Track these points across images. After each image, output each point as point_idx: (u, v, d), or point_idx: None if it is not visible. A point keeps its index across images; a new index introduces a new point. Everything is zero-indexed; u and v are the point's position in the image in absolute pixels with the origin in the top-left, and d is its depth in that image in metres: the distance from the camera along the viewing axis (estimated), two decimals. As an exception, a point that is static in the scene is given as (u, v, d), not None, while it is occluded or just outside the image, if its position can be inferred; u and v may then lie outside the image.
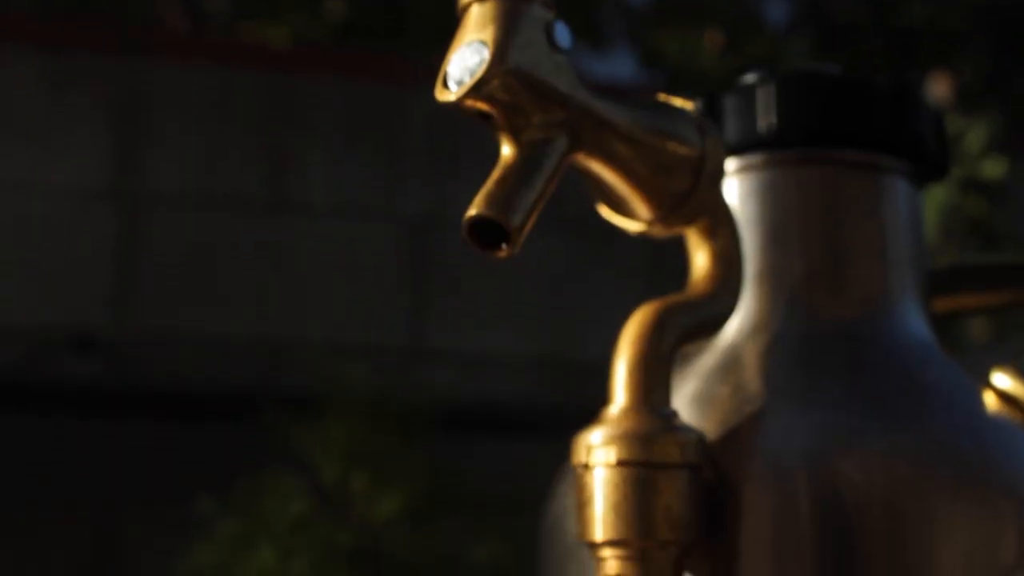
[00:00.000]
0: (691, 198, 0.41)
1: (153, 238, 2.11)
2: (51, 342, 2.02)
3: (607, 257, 2.28)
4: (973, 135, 2.02)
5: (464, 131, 1.95)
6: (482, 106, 0.36)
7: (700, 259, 0.43)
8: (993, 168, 2.01)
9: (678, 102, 0.42)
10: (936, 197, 1.98)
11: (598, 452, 0.38)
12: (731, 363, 0.44)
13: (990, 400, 0.43)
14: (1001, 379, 0.44)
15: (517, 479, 1.24)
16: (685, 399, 0.43)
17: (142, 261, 2.10)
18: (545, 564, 0.47)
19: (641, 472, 0.37)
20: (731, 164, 0.45)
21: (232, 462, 1.46)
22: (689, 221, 0.42)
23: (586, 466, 0.38)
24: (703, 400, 0.42)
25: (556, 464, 0.46)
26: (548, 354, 2.24)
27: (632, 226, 0.42)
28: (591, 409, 0.40)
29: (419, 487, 1.37)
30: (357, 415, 1.37)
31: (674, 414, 0.39)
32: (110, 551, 1.96)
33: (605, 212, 0.43)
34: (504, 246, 0.35)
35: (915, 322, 0.45)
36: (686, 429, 0.39)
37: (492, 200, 0.35)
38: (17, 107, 2.10)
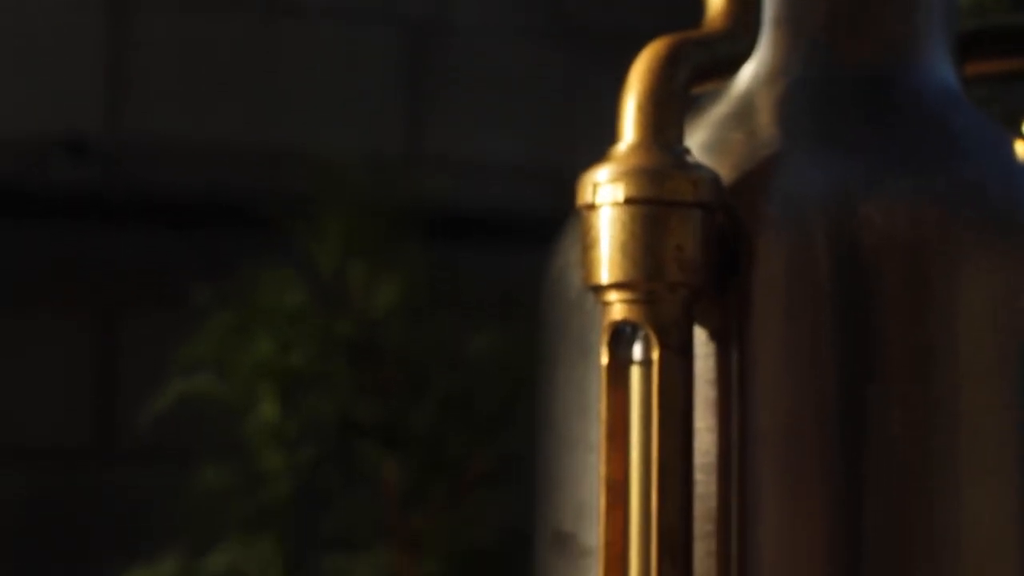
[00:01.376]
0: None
1: (144, 41, 2.06)
2: (43, 149, 1.99)
3: (608, 66, 2.23)
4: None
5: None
6: None
7: (715, -3, 0.40)
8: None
9: None
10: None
11: (605, 190, 0.35)
12: (746, 110, 0.41)
13: (1020, 149, 0.41)
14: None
15: (513, 286, 1.23)
16: (697, 147, 0.40)
17: (134, 66, 2.06)
18: (548, 324, 0.45)
19: (651, 210, 0.35)
20: None
21: (230, 267, 1.45)
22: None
23: (592, 206, 0.36)
24: (716, 147, 0.40)
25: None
26: (547, 163, 2.21)
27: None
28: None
29: (417, 280, 1.36)
30: (354, 209, 1.35)
31: (687, 151, 0.37)
32: (110, 355, 1.97)
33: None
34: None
35: (943, 69, 0.42)
36: (700, 167, 0.36)
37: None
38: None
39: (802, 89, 0.41)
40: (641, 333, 0.36)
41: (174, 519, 1.39)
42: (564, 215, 0.44)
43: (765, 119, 0.40)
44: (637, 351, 0.36)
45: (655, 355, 0.35)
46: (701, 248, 0.36)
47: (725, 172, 0.38)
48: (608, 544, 0.37)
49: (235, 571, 1.35)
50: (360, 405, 1.37)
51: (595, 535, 0.39)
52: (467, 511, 1.43)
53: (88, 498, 1.88)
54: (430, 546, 1.42)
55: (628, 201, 0.35)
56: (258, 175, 1.98)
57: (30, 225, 1.94)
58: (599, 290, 0.36)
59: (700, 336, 0.38)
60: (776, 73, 0.42)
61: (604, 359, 0.36)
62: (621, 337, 0.36)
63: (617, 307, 0.36)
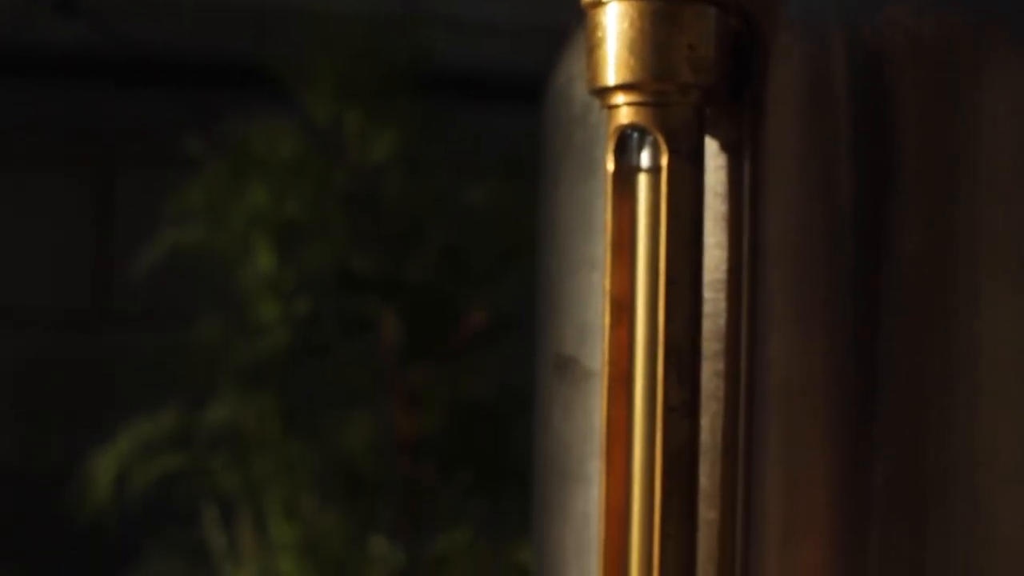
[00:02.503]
0: None
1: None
2: (31, 8, 1.95)
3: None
4: None
5: None
6: None
7: None
8: None
9: None
10: None
11: (613, -16, 0.33)
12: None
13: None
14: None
15: (511, 143, 1.20)
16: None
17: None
18: (550, 142, 0.43)
19: (661, 5, 0.33)
20: None
21: (225, 123, 1.42)
22: None
23: (598, 2, 0.34)
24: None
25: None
26: (548, 24, 2.16)
27: None
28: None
29: (412, 132, 1.33)
30: (348, 59, 1.32)
31: (700, -56, 0.34)
32: (110, 209, 1.95)
33: None
34: None
35: None
36: (713, -39, 0.34)
37: None
38: None
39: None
40: (649, 139, 0.34)
41: (172, 375, 1.39)
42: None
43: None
44: (645, 159, 0.34)
45: (664, 161, 0.33)
46: (714, 48, 0.33)
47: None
48: (612, 363, 0.35)
49: (233, 424, 1.35)
50: (357, 256, 1.35)
51: (598, 357, 0.37)
52: (465, 366, 1.43)
53: (88, 358, 1.87)
54: (428, 400, 1.42)
55: (637, -4, 0.33)
56: (251, 31, 1.94)
57: (19, 85, 1.91)
58: (605, 93, 0.34)
59: (711, 147, 0.36)
60: None
61: (609, 166, 0.34)
62: (628, 144, 0.34)
63: (624, 110, 0.34)
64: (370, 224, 1.35)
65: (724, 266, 0.36)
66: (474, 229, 1.40)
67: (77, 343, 1.89)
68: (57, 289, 1.90)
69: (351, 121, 1.35)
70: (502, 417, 1.42)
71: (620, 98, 0.34)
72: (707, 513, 0.37)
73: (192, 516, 1.45)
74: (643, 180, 0.34)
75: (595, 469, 0.39)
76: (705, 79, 0.33)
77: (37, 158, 1.90)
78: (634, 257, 0.35)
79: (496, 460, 1.43)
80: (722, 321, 0.36)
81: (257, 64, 1.37)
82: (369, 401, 1.43)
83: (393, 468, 1.43)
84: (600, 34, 0.34)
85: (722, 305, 0.36)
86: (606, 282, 0.35)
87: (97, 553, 1.67)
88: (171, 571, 1.40)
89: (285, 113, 1.39)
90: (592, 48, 0.34)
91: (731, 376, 0.36)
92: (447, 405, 1.42)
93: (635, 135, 0.34)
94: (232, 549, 1.41)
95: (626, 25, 0.33)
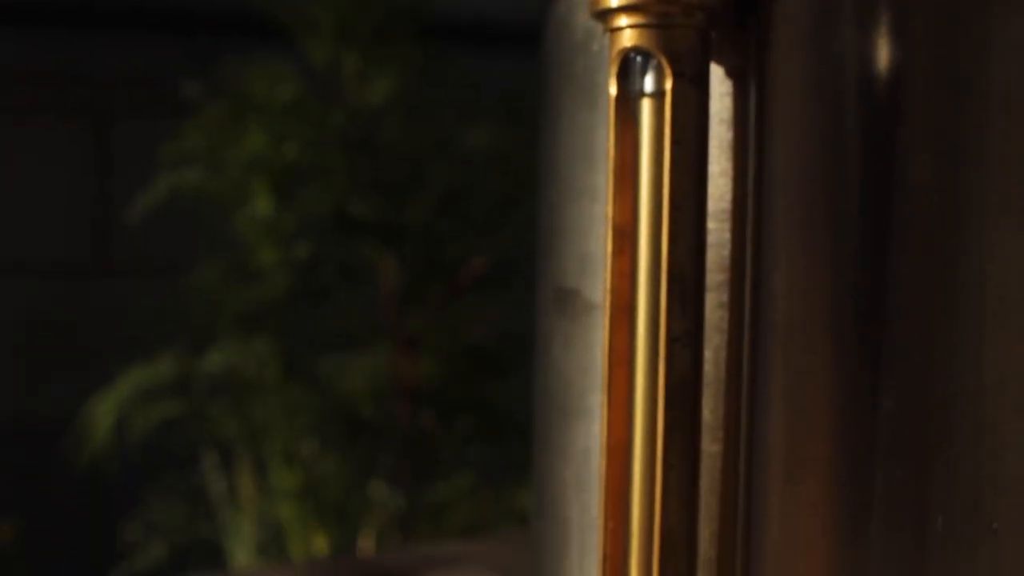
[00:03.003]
0: None
1: None
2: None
3: None
4: None
5: None
6: None
7: None
8: None
9: None
10: None
11: (616, -99, 0.32)
12: None
13: None
14: None
15: (512, 88, 1.19)
16: None
17: None
18: (551, 70, 0.42)
19: (665, -74, 0.32)
20: None
21: (223, 69, 1.41)
22: None
23: (602, -78, 0.33)
24: None
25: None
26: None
27: None
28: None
29: (413, 73, 1.32)
30: (348, 2, 1.30)
31: None
32: (108, 158, 1.93)
33: None
34: None
35: None
36: None
37: None
38: None
39: None
40: (652, 64, 0.33)
41: (172, 322, 1.38)
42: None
43: None
44: (648, 84, 0.33)
45: (668, 85, 0.32)
46: (720, -31, 0.33)
47: None
48: (613, 292, 0.35)
49: (232, 370, 1.35)
50: (356, 201, 1.34)
51: (599, 289, 0.36)
52: (464, 311, 1.42)
53: (87, 307, 1.87)
54: (428, 346, 1.41)
55: (641, -88, 0.32)
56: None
57: (15, 34, 1.89)
58: (607, 15, 0.33)
59: (716, 73, 0.35)
60: None
61: (612, 90, 0.33)
62: (630, 69, 0.33)
63: (627, 33, 0.33)
64: (370, 168, 1.34)
65: (729, 196, 0.35)
66: (474, 174, 1.39)
67: (76, 292, 1.88)
68: (56, 239, 1.89)
69: (350, 64, 1.33)
70: (502, 364, 1.41)
71: (623, 20, 0.33)
72: (709, 446, 0.36)
73: (191, 462, 1.45)
74: (646, 105, 0.33)
75: (596, 403, 0.38)
76: (710, 0, 0.32)
77: (34, 107, 1.89)
78: (637, 184, 0.34)
79: (496, 407, 1.43)
80: (726, 252, 0.35)
81: (255, 8, 1.36)
82: (369, 346, 1.42)
83: (393, 414, 1.43)
84: (602, -45, 0.33)
85: (726, 235, 0.35)
86: (608, 210, 0.34)
87: (97, 500, 1.68)
88: (170, 517, 1.40)
89: (284, 58, 1.38)
90: (593, -31, 0.33)
91: (735, 308, 0.35)
92: (447, 351, 1.41)
93: (638, 59, 0.33)
94: (231, 495, 1.41)
95: (629, -57, 0.32)
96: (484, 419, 1.41)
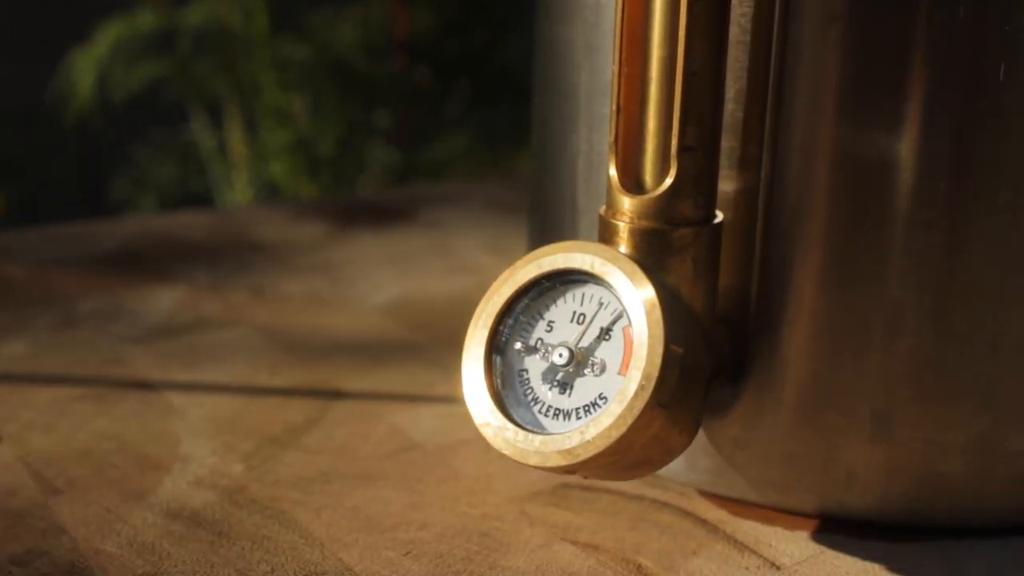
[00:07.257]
0: None
1: None
2: None
3: None
4: None
5: None
6: None
7: None
8: None
9: None
10: None
11: None
12: None
13: None
14: None
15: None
16: None
17: None
18: None
19: None
20: None
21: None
22: None
23: None
24: None
25: None
26: None
27: None
28: None
29: None
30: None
31: None
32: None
33: None
34: None
35: None
36: None
37: None
38: None
39: None
40: None
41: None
42: None
43: None
44: None
45: None
46: None
47: None
48: None
49: (218, 22, 1.28)
50: None
51: None
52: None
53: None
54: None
55: None
56: None
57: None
58: None
59: None
60: None
61: None
62: None
63: None
64: None
65: None
66: None
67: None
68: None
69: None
70: (496, 18, 1.35)
71: None
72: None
73: (179, 120, 1.40)
74: None
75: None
76: None
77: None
78: None
79: (491, 64, 1.37)
80: None
81: None
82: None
83: (388, 70, 1.37)
84: None
85: None
86: None
87: (85, 163, 1.64)
88: (160, 174, 1.36)
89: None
90: None
91: None
92: (438, 2, 1.34)
93: None
94: (222, 152, 1.36)
95: None
96: (480, 81, 1.36)
